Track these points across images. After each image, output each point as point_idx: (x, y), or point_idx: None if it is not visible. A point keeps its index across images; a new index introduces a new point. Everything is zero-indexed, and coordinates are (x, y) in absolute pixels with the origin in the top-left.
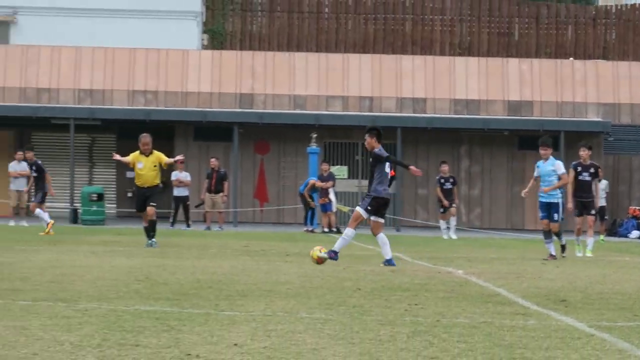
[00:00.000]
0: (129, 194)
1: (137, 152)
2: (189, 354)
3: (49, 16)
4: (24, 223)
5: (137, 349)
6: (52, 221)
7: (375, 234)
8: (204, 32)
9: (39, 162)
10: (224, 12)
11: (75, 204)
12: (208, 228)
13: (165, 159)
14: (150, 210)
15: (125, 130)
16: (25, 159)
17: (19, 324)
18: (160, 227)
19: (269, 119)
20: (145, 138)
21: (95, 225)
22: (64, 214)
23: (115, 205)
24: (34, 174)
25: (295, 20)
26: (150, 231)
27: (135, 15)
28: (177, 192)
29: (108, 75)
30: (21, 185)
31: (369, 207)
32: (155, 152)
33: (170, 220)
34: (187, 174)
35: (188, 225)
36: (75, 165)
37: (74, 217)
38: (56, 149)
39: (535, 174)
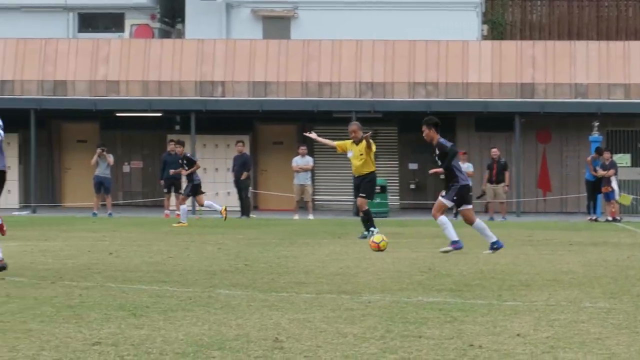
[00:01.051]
0: (412, 186)
1: (351, 140)
2: (472, 345)
3: (328, 10)
4: (310, 216)
5: (420, 340)
6: (185, 223)
7: (471, 223)
8: (484, 22)
9: (188, 154)
10: (503, 3)
11: None
12: (491, 218)
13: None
14: (359, 200)
15: (406, 123)
16: (176, 153)
17: (303, 317)
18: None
19: (550, 108)
20: (351, 126)
21: (379, 217)
22: (348, 207)
23: (398, 197)
24: (186, 168)
25: (575, 8)
26: (365, 222)
27: (414, 7)
28: None
29: (388, 67)
30: (304, 179)
31: (454, 198)
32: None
33: (454, 211)
34: (470, 164)
35: None
36: None
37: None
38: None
39: None
